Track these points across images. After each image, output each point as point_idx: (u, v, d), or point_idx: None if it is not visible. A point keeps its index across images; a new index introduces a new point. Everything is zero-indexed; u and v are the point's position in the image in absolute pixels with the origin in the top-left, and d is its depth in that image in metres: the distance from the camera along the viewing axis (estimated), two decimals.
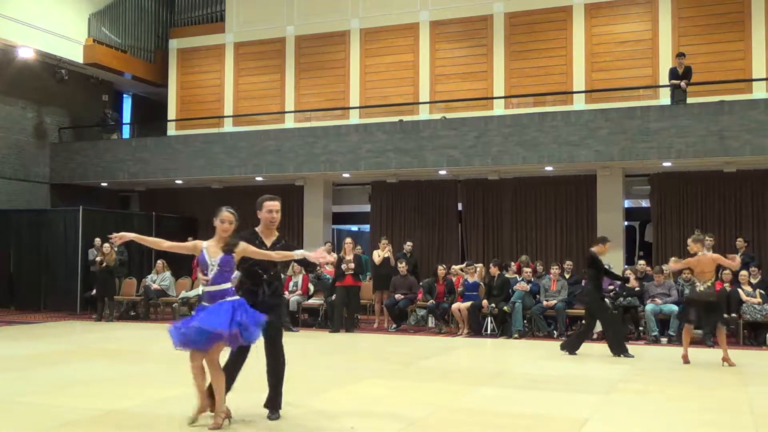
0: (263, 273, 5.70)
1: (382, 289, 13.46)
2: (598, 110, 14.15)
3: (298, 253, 5.64)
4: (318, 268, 14.50)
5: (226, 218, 5.57)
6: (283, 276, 13.45)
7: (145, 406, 6.28)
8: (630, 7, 15.54)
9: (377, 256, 13.56)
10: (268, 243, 5.78)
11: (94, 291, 14.71)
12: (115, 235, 5.54)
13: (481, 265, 13.36)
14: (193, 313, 5.93)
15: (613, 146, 13.67)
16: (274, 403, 5.85)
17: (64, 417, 5.83)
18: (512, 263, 13.49)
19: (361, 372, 8.53)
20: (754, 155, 12.96)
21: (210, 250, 5.49)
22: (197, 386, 5.51)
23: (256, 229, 5.88)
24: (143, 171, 17.38)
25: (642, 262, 13.05)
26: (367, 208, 17.51)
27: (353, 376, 8.20)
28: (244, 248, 5.48)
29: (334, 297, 13.00)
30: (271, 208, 5.83)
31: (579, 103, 15.46)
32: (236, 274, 5.66)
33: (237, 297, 5.46)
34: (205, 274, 5.45)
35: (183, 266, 16.48)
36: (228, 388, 5.67)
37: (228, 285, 5.44)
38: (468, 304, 12.38)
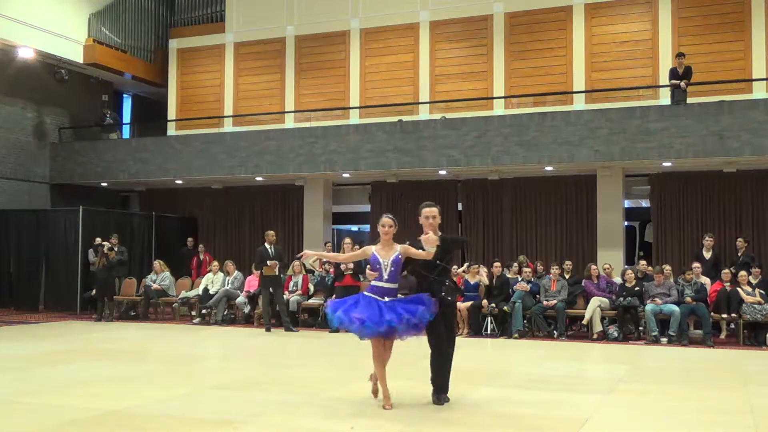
0: (426, 274, 6.32)
1: None
2: (598, 110, 14.15)
3: (425, 249, 6.18)
4: (319, 268, 14.47)
5: (386, 223, 6.33)
6: (282, 277, 13.55)
7: (145, 406, 6.28)
8: (630, 7, 15.54)
9: None
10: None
11: (94, 291, 14.71)
12: (301, 254, 6.60)
13: (484, 268, 13.33)
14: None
15: (613, 146, 13.67)
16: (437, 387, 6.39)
17: (64, 417, 5.83)
18: (515, 263, 13.48)
19: (362, 372, 8.51)
20: (754, 155, 12.97)
21: (380, 252, 6.28)
22: (381, 375, 6.38)
23: (420, 238, 6.36)
24: (143, 171, 17.38)
25: (642, 262, 13.05)
26: (367, 208, 17.51)
27: (353, 376, 8.19)
28: (405, 249, 6.26)
29: (333, 297, 12.99)
30: (428, 214, 6.33)
31: (579, 103, 15.46)
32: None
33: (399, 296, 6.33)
34: (375, 270, 6.27)
35: (183, 266, 16.52)
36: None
37: (396, 285, 6.30)
38: (468, 304, 12.38)
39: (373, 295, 6.22)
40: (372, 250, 6.36)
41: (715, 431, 5.72)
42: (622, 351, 10.60)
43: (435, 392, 6.37)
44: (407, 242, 6.34)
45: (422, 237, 6.13)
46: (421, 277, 6.40)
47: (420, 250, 6.22)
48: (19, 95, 17.56)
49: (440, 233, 6.32)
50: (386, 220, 6.37)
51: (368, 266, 6.34)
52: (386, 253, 6.25)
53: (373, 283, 6.30)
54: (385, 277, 6.21)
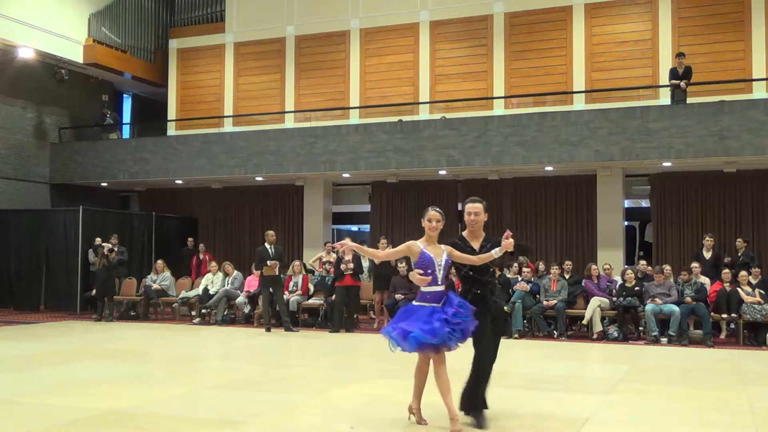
0: (480, 277, 5.63)
1: (382, 289, 13.47)
2: (598, 110, 14.16)
3: (495, 252, 5.48)
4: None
5: (433, 217, 5.45)
6: (282, 277, 13.55)
7: (145, 406, 6.28)
8: (630, 7, 15.55)
9: None
10: (476, 246, 5.66)
11: (94, 291, 14.71)
12: (339, 243, 5.37)
13: None
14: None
15: (613, 146, 13.68)
16: (469, 404, 5.70)
17: (64, 417, 5.83)
18: (515, 263, 13.49)
19: (362, 372, 8.53)
20: (754, 155, 12.97)
21: (430, 250, 5.39)
22: (419, 388, 5.59)
23: (463, 233, 5.76)
24: (143, 171, 17.39)
25: (642, 262, 13.05)
26: (367, 208, 17.51)
27: (353, 376, 8.20)
28: (450, 251, 5.48)
29: (334, 297, 13.00)
30: (470, 210, 5.68)
31: (579, 103, 15.46)
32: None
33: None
34: (428, 274, 5.33)
35: (183, 266, 16.53)
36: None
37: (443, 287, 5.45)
38: None
39: (426, 304, 5.33)
40: (419, 247, 5.40)
41: (715, 431, 5.72)
42: (622, 351, 10.60)
43: (472, 411, 5.68)
44: (456, 241, 5.65)
45: (504, 242, 5.41)
46: (473, 280, 5.63)
47: (469, 255, 5.50)
48: (19, 95, 17.56)
49: (483, 233, 5.74)
50: (434, 213, 5.46)
51: (415, 268, 5.39)
52: (435, 252, 5.40)
53: (426, 289, 5.36)
54: (440, 279, 5.34)
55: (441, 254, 5.38)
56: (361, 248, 5.58)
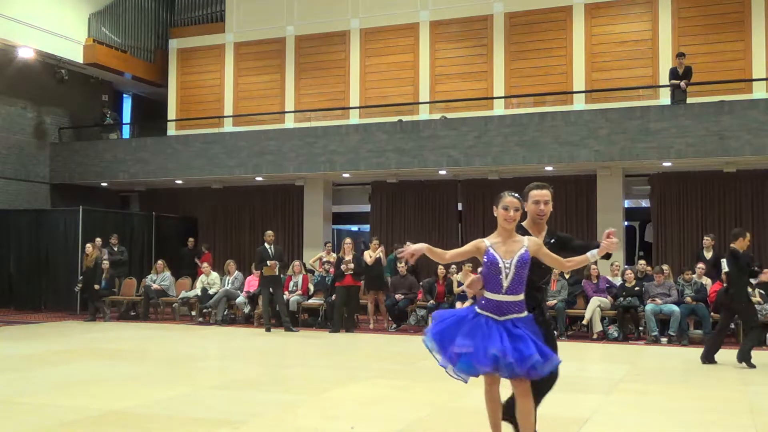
0: (537, 279, 4.48)
1: (375, 289, 13.47)
2: (598, 110, 14.16)
3: (591, 255, 4.43)
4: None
5: (511, 204, 4.25)
6: (282, 277, 13.55)
7: (145, 406, 6.27)
8: (630, 7, 15.55)
9: (368, 256, 13.54)
10: (541, 240, 4.56)
11: (80, 288, 14.73)
12: (406, 250, 4.33)
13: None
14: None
15: (613, 146, 13.68)
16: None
17: (64, 417, 5.83)
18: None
19: (361, 372, 8.53)
20: (754, 155, 12.97)
21: (499, 249, 4.24)
22: (494, 422, 4.58)
23: (523, 224, 4.60)
24: (143, 171, 17.39)
25: (642, 262, 13.05)
26: (367, 208, 17.51)
27: (353, 376, 8.20)
28: (537, 246, 4.29)
29: (334, 297, 13.00)
30: (538, 198, 4.58)
31: (579, 103, 15.47)
32: None
33: (526, 313, 4.26)
34: (490, 278, 4.27)
35: (183, 266, 16.53)
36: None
37: (522, 297, 4.22)
38: (467, 303, 12.36)
39: (485, 313, 4.22)
40: (486, 244, 4.26)
41: (715, 431, 5.72)
42: (622, 351, 10.61)
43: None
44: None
45: (604, 242, 4.33)
46: (528, 283, 4.34)
47: (559, 257, 4.39)
48: (19, 95, 17.56)
49: (546, 225, 4.70)
50: (512, 200, 4.26)
51: (473, 270, 4.54)
52: (508, 250, 4.21)
53: (487, 295, 4.23)
54: (505, 286, 4.17)
55: (514, 253, 4.20)
56: (432, 249, 4.32)
